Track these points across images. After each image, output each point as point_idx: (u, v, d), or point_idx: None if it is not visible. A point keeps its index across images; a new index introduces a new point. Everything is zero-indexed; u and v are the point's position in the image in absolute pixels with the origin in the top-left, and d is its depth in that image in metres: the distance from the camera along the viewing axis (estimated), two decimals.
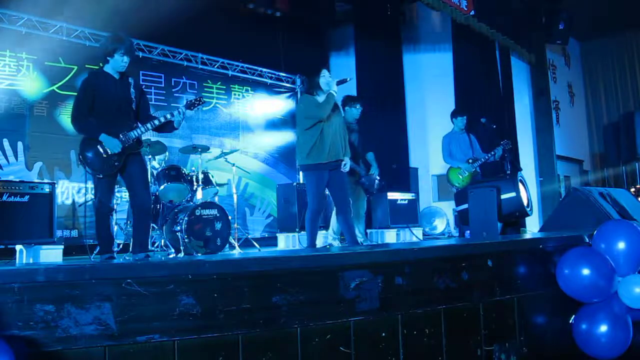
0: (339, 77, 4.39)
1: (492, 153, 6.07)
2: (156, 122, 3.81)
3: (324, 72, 4.34)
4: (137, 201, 3.83)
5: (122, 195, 5.08)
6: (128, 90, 3.84)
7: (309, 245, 4.39)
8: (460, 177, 6.13)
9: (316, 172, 4.25)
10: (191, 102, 4.05)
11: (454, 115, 6.42)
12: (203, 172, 5.56)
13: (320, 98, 4.31)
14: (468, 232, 4.62)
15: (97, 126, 3.70)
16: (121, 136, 3.70)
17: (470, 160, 6.09)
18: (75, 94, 6.09)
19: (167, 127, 3.95)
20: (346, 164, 4.40)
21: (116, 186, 3.92)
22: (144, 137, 3.93)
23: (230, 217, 5.33)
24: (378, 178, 5.52)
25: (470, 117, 6.56)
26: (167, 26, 6.99)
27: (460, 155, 6.21)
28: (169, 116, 3.84)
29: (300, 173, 5.59)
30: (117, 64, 3.77)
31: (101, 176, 3.69)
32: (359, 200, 5.68)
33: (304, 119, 4.30)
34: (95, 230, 3.96)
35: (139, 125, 3.79)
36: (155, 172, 5.30)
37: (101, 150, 3.66)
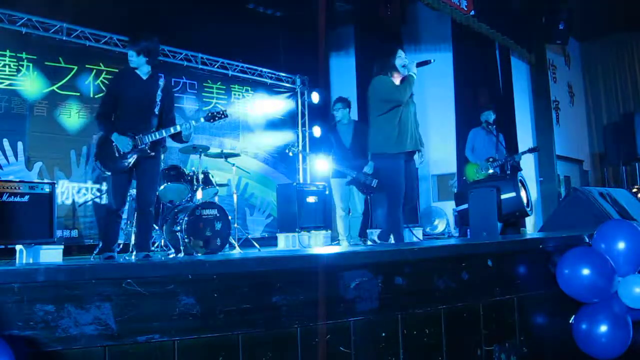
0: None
1: (512, 157, 6.16)
2: (163, 132, 3.81)
3: (400, 53, 4.07)
4: (139, 202, 3.88)
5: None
6: (154, 91, 3.81)
7: (396, 240, 4.05)
8: (476, 173, 6.19)
9: (394, 162, 3.97)
10: (213, 114, 4.04)
11: (480, 110, 6.55)
12: (203, 172, 5.57)
13: (395, 80, 4.04)
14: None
15: (112, 126, 3.75)
16: (136, 137, 3.72)
17: (491, 159, 6.14)
18: (76, 93, 6.14)
19: (177, 138, 3.95)
20: (423, 155, 4.20)
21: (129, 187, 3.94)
22: None
23: (230, 217, 5.33)
24: (368, 175, 5.44)
25: (470, 116, 6.61)
26: (167, 26, 7.00)
27: (482, 153, 6.27)
28: (178, 127, 3.84)
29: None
30: (132, 64, 3.79)
31: (109, 174, 3.75)
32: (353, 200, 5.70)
33: (380, 102, 4.01)
34: (102, 228, 4.01)
35: (154, 131, 3.79)
36: None
37: (114, 149, 3.70)
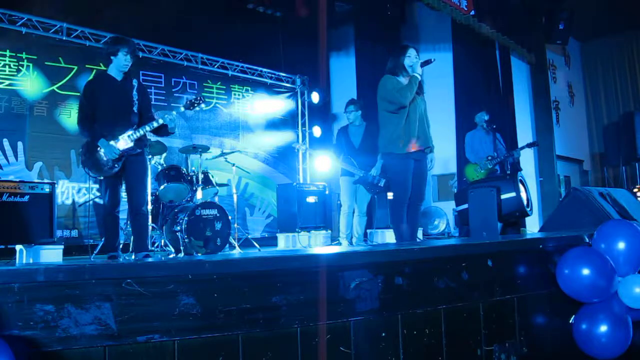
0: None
1: (511, 153, 6.19)
2: (147, 127, 3.83)
3: (410, 52, 4.01)
4: (131, 203, 3.88)
5: (124, 195, 5.10)
6: (130, 92, 3.86)
7: (396, 239, 4.09)
8: (476, 173, 6.22)
9: (402, 162, 3.97)
10: (191, 101, 4.08)
11: (476, 112, 6.58)
12: (203, 172, 5.57)
13: (404, 80, 4.02)
14: None
15: (97, 131, 3.77)
16: (120, 139, 3.74)
17: (490, 158, 6.17)
18: (76, 93, 6.15)
19: (162, 131, 3.97)
20: (432, 159, 4.16)
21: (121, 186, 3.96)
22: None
23: (230, 217, 5.34)
24: (375, 175, 5.50)
25: (470, 116, 6.63)
26: (167, 26, 7.00)
27: (482, 153, 6.31)
28: (161, 121, 3.85)
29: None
30: (120, 63, 3.81)
31: (101, 178, 3.76)
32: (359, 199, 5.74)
33: (385, 102, 4.00)
34: (102, 228, 4.04)
35: (137, 127, 3.82)
36: (155, 172, 5.31)
37: (101, 153, 3.71)
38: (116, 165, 3.73)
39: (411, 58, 4.02)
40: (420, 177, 4.09)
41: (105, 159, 3.72)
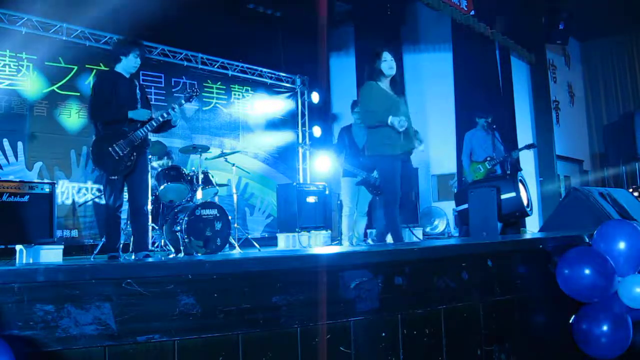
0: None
1: (509, 154, 6.23)
2: (154, 123, 3.86)
3: (386, 55, 4.03)
4: (133, 203, 3.89)
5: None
6: (135, 91, 3.91)
7: (394, 240, 4.13)
8: (474, 173, 6.26)
9: (392, 163, 4.02)
10: (189, 93, 4.10)
11: (478, 115, 6.57)
12: (203, 172, 5.57)
13: (383, 85, 4.06)
14: None
15: (119, 108, 3.76)
16: (130, 136, 3.75)
17: (488, 158, 6.20)
18: (76, 93, 6.15)
19: (165, 127, 4.01)
20: (423, 143, 4.29)
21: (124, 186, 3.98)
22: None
23: (230, 217, 5.34)
24: (378, 177, 5.53)
25: (470, 116, 6.64)
26: (167, 26, 7.00)
27: (481, 154, 6.34)
28: (165, 115, 3.88)
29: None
30: (129, 64, 3.86)
31: (116, 177, 3.75)
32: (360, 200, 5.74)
33: (369, 112, 4.05)
34: (104, 229, 4.05)
35: (143, 125, 3.85)
36: (155, 172, 5.31)
37: (112, 152, 3.72)
38: (129, 163, 3.76)
39: (387, 61, 4.04)
40: (407, 178, 4.18)
41: (117, 158, 3.71)
